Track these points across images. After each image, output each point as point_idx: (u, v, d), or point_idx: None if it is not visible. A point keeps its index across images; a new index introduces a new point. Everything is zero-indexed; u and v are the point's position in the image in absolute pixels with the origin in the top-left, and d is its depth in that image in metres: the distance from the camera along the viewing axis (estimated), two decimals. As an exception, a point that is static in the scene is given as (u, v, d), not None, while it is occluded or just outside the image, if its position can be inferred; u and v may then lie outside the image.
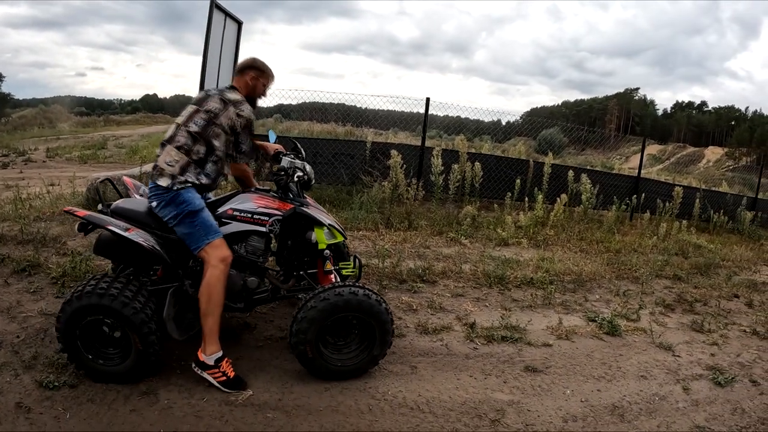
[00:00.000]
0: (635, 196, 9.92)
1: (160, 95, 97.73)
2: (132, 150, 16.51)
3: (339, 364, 3.09)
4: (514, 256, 6.46)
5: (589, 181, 9.06)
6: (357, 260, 3.70)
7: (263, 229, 3.10)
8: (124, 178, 3.78)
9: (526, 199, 8.71)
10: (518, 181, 8.80)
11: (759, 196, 12.67)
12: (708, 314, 5.58)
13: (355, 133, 13.33)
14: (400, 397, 3.04)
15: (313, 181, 3.46)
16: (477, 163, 8.52)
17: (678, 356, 4.36)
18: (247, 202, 3.13)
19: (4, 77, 42.13)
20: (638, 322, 4.96)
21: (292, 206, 3.18)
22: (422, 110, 8.79)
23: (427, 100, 8.59)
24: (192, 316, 3.10)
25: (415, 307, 4.40)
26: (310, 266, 3.50)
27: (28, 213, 6.14)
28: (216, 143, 3.02)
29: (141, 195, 3.44)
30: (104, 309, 2.71)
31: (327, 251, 3.29)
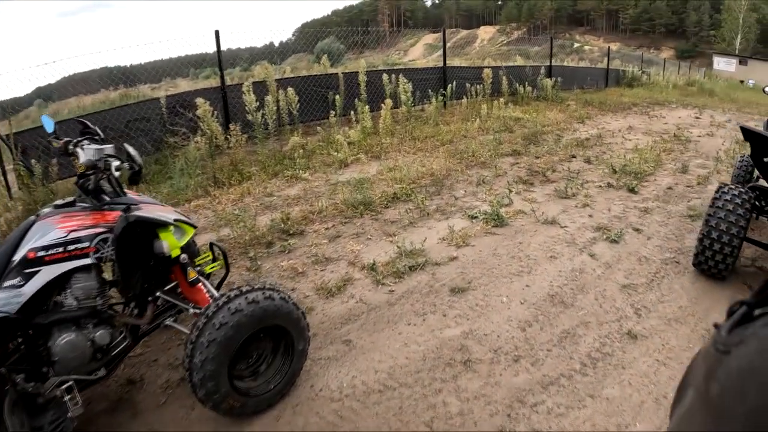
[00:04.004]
0: (449, 85, 10.30)
1: None
2: None
3: (272, 386, 2.53)
4: (361, 175, 6.23)
5: (406, 80, 9.11)
6: (215, 248, 3.00)
7: (87, 260, 2.30)
8: None
9: (352, 113, 8.47)
10: (338, 96, 8.46)
11: (523, 64, 14.19)
12: (563, 180, 6.07)
13: (131, 94, 11.60)
14: (359, 385, 2.62)
15: (143, 168, 2.62)
16: (290, 89, 7.95)
17: (566, 227, 4.64)
18: (51, 231, 2.26)
19: None
20: (513, 206, 5.16)
21: (119, 213, 2.39)
22: (194, 51, 7.82)
23: (217, 32, 7.58)
24: (53, 416, 2.24)
25: (301, 269, 3.90)
26: (162, 280, 2.74)
27: None
28: None
29: None
30: None
31: (184, 256, 2.59)
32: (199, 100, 6.90)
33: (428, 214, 4.96)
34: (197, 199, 5.62)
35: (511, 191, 5.49)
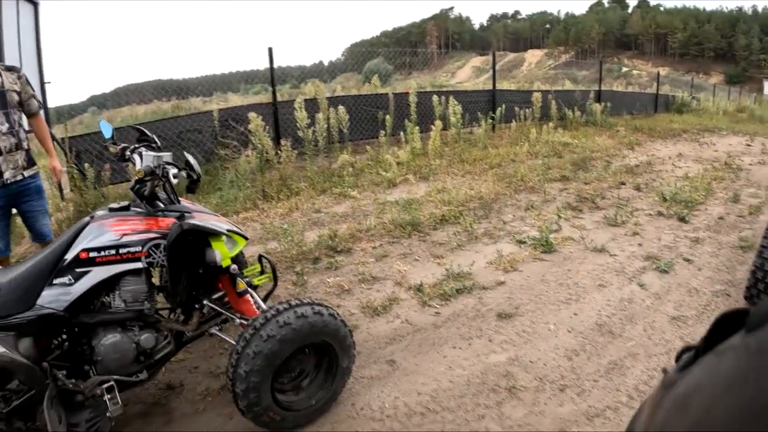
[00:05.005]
0: (498, 108, 10.25)
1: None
2: None
3: (313, 402, 2.50)
4: (409, 195, 6.25)
5: (456, 102, 9.11)
6: (264, 260, 2.99)
7: (139, 264, 2.29)
8: None
9: (402, 133, 8.52)
10: (388, 116, 8.52)
11: (572, 88, 13.97)
12: (612, 207, 5.92)
13: (183, 106, 11.97)
14: (401, 407, 2.61)
15: (201, 177, 2.61)
16: (341, 107, 8.05)
17: (615, 255, 4.52)
18: (105, 234, 2.26)
19: None
20: (562, 232, 5.07)
21: (173, 221, 2.38)
22: (245, 68, 8.04)
23: (270, 50, 7.78)
24: (91, 415, 2.22)
25: (346, 287, 3.94)
26: (210, 288, 2.72)
27: None
28: None
29: None
30: None
31: (234, 266, 2.55)
32: (252, 115, 7.05)
33: (476, 237, 4.92)
34: (246, 212, 5.76)
35: (560, 217, 5.41)
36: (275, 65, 8.00)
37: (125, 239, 2.25)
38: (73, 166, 5.99)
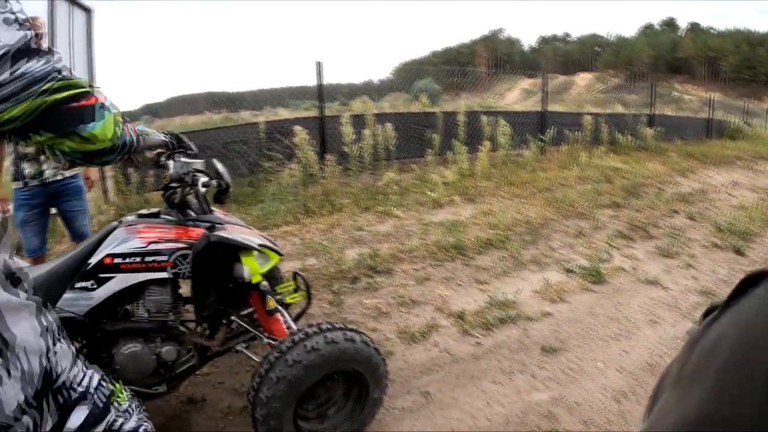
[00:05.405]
0: (548, 130, 9.99)
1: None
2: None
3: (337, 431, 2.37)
4: (454, 217, 6.10)
5: (505, 123, 8.91)
6: (298, 278, 2.81)
7: (164, 274, 2.17)
8: None
9: (449, 153, 8.39)
10: (435, 135, 8.39)
11: (623, 111, 13.56)
12: (665, 236, 5.64)
13: (233, 118, 12.14)
14: None
15: (231, 187, 2.45)
16: (388, 124, 7.97)
17: (668, 288, 4.27)
18: (131, 240, 2.16)
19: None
20: (612, 262, 4.83)
21: (202, 231, 2.24)
22: (295, 83, 8.04)
23: (319, 64, 7.82)
24: None
25: (384, 310, 3.81)
26: (239, 304, 2.56)
27: None
28: None
29: None
30: None
31: (264, 283, 2.40)
32: (297, 128, 7.05)
33: (523, 263, 4.73)
34: (286, 225, 5.70)
35: (610, 246, 5.16)
36: (325, 82, 7.98)
37: (152, 247, 2.15)
38: (119, 170, 6.12)
